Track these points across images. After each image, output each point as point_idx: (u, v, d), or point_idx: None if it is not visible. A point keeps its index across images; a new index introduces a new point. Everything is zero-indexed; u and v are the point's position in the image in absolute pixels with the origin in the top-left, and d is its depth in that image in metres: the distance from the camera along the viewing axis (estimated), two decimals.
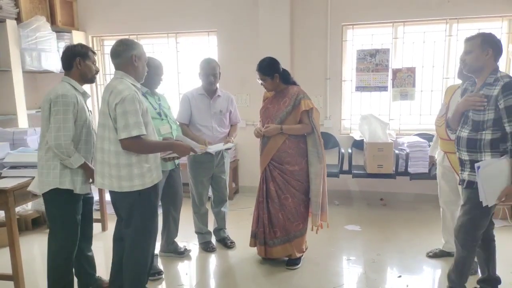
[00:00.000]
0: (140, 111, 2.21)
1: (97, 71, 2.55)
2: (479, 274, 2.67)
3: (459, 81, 2.87)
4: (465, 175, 2.38)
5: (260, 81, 3.00)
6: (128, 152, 2.23)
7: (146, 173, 2.30)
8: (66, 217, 2.45)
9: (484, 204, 2.27)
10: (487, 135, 2.25)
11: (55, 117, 2.31)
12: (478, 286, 2.62)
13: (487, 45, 2.26)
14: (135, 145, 2.20)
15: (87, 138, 2.48)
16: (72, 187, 2.40)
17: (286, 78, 3.01)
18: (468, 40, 2.33)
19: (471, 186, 2.32)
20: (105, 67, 5.34)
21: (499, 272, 2.56)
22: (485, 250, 2.50)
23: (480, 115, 2.26)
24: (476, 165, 2.25)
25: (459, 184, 2.53)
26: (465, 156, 2.36)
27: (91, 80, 2.55)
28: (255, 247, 3.15)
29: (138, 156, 2.26)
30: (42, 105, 2.38)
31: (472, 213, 2.34)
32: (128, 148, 2.20)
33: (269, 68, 2.95)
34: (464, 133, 2.35)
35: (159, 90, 3.08)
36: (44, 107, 2.36)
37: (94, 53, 2.55)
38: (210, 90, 3.29)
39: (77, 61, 2.44)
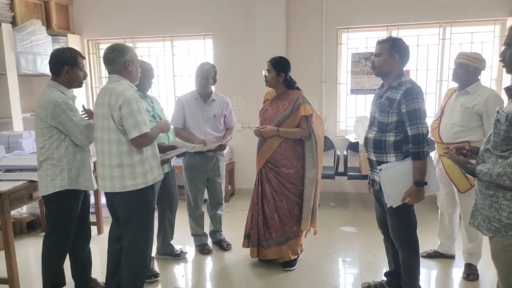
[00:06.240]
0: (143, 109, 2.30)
1: (85, 77, 2.55)
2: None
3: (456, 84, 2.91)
4: (376, 177, 2.41)
5: (264, 72, 3.00)
6: (131, 151, 2.27)
7: (148, 171, 2.35)
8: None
9: (388, 206, 2.32)
10: (390, 137, 2.30)
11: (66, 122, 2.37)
12: (385, 278, 2.72)
13: (394, 50, 2.30)
14: (146, 140, 2.29)
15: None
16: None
17: (290, 84, 3.03)
18: (379, 43, 2.37)
19: None
20: (101, 71, 5.34)
21: (486, 272, 2.61)
22: (393, 246, 2.53)
23: (385, 117, 2.31)
24: (378, 167, 2.30)
25: (368, 183, 2.56)
26: (373, 157, 2.41)
27: (78, 86, 2.56)
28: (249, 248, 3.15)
29: (140, 156, 2.30)
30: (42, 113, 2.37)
31: (396, 213, 2.36)
32: (140, 145, 2.28)
33: (280, 64, 2.97)
34: (371, 134, 2.41)
35: (153, 93, 3.09)
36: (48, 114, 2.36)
37: (83, 57, 2.52)
38: (203, 94, 3.27)
39: (65, 70, 2.42)
